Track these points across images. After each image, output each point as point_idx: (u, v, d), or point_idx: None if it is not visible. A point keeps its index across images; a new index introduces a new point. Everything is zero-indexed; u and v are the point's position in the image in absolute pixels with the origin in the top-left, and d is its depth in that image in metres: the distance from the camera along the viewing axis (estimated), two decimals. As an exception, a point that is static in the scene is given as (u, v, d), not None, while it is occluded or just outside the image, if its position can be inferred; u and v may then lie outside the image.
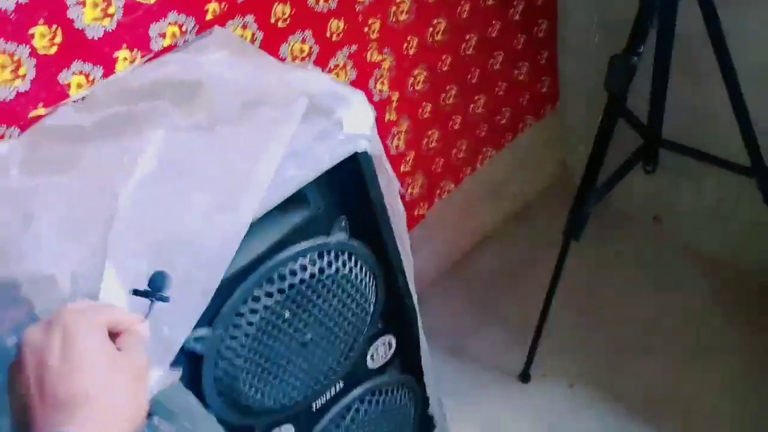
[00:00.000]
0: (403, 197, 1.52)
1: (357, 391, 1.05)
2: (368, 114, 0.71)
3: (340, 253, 0.83)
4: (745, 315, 1.49)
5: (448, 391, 1.38)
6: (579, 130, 1.75)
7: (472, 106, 1.54)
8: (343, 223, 0.82)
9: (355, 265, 0.85)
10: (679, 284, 1.59)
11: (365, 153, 0.71)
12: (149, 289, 0.55)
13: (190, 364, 0.76)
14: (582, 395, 1.44)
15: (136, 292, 0.55)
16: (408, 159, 1.47)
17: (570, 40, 1.65)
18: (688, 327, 1.50)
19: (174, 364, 0.63)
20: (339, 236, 0.81)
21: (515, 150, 1.74)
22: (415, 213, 1.57)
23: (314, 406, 0.99)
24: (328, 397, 1.00)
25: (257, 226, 0.71)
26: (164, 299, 0.56)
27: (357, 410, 1.07)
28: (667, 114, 1.23)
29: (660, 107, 1.22)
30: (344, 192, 0.81)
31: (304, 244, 0.79)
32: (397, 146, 1.42)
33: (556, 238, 1.31)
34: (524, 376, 1.49)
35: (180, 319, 0.60)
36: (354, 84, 1.26)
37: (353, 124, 0.68)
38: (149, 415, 0.63)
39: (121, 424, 0.48)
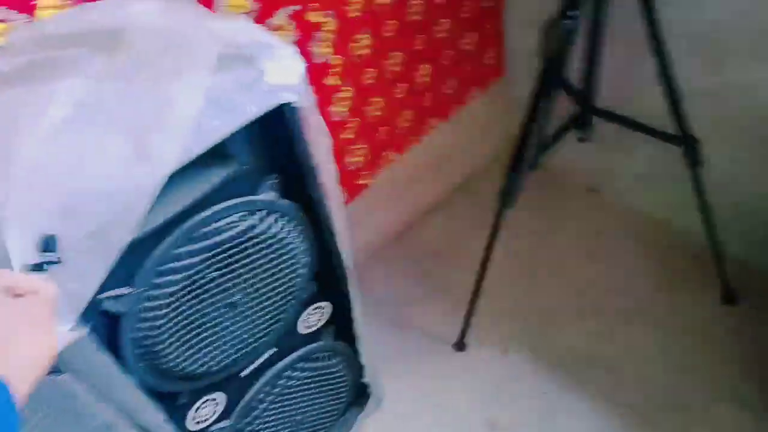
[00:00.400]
0: (345, 166, 1.51)
1: (289, 358, 1.03)
2: (297, 65, 0.68)
3: (268, 213, 0.80)
4: (675, 279, 1.54)
5: (386, 360, 1.39)
6: (525, 101, 1.76)
7: (417, 74, 1.53)
8: (272, 182, 0.80)
9: (285, 226, 0.83)
10: (612, 252, 1.63)
11: (291, 105, 0.69)
12: (40, 257, 0.54)
13: (109, 324, 0.73)
14: (516, 361, 1.47)
15: (27, 267, 0.54)
16: (351, 126, 1.44)
17: (516, 10, 1.65)
18: (620, 292, 1.55)
19: (85, 321, 0.60)
20: (267, 195, 0.79)
21: (461, 121, 1.74)
22: (358, 182, 1.55)
23: (244, 372, 0.97)
24: (259, 363, 0.98)
25: (180, 181, 0.67)
26: (55, 262, 0.54)
27: (290, 377, 1.06)
28: (603, 83, 1.25)
29: (594, 74, 1.23)
30: (274, 149, 0.78)
31: (230, 203, 0.76)
32: (339, 113, 1.39)
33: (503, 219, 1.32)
34: (459, 345, 1.50)
35: (88, 274, 0.57)
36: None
37: (279, 75, 0.65)
38: (59, 371, 0.61)
39: (20, 372, 0.46)
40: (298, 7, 1.19)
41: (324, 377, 1.13)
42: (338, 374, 1.17)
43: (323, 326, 1.06)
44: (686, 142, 1.18)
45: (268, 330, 0.92)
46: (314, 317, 1.04)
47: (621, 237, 1.66)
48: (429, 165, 1.72)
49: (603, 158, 1.68)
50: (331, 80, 1.33)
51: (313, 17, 1.22)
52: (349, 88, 1.37)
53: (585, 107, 1.29)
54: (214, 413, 0.96)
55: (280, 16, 1.17)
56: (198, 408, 0.92)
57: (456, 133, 1.74)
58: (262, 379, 1.01)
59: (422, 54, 1.50)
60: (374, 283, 1.65)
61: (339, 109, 1.38)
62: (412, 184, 1.71)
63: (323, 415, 1.20)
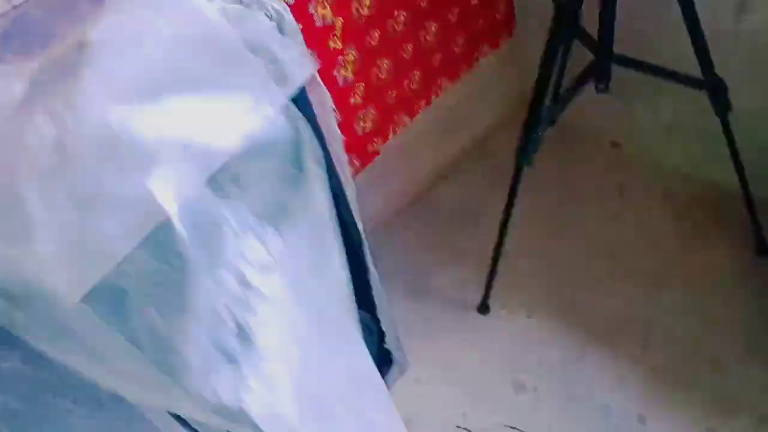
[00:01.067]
0: (355, 132, 1.48)
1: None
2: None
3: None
4: (706, 234, 1.49)
5: (408, 327, 1.36)
6: (537, 59, 1.70)
7: (423, 33, 1.47)
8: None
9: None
10: (638, 209, 1.58)
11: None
12: None
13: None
14: (541, 324, 1.44)
15: None
16: (357, 91, 1.40)
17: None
18: (648, 252, 1.50)
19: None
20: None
21: (472, 81, 1.68)
22: (369, 149, 1.52)
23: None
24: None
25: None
26: None
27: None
28: (620, 29, 1.19)
29: (610, 20, 1.17)
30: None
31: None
32: (345, 77, 1.35)
33: (523, 179, 1.28)
34: (483, 308, 1.48)
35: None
36: (292, 9, 1.18)
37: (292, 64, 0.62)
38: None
39: None
40: (295, -32, 1.14)
41: (343, 347, 1.11)
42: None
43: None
44: (713, 87, 1.12)
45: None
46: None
47: (646, 193, 1.61)
48: (441, 128, 1.68)
49: (625, 110, 1.61)
50: (333, 44, 1.28)
51: (311, -22, 1.18)
52: (352, 50, 1.33)
53: (602, 55, 1.23)
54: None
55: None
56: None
57: (468, 93, 1.69)
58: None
59: (428, 12, 1.45)
60: (390, 251, 1.62)
61: (344, 73, 1.34)
62: (424, 148, 1.67)
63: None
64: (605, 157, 1.72)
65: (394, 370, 1.35)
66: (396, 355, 1.33)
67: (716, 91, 1.12)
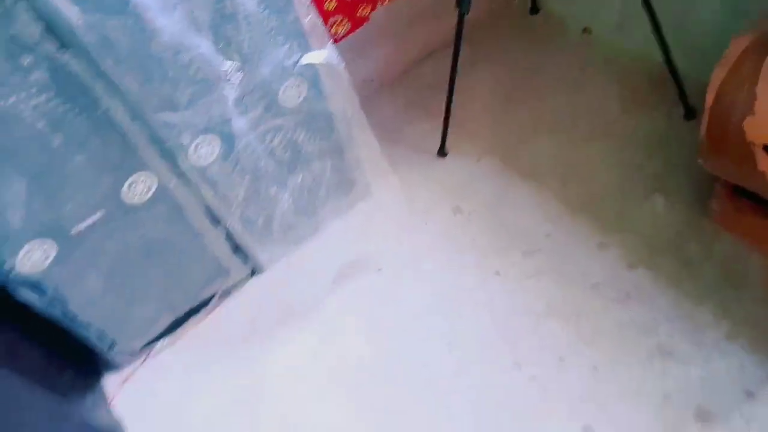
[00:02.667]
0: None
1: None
2: None
3: None
4: (645, 102, 1.69)
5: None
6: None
7: None
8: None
9: None
10: (591, 83, 1.79)
11: None
12: None
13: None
14: (486, 166, 1.71)
15: None
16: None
17: None
18: (591, 114, 1.72)
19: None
20: None
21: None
22: (358, 14, 1.80)
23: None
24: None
25: None
26: None
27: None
28: None
29: None
30: None
31: None
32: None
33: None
34: (440, 152, 1.76)
35: None
36: None
37: None
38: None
39: None
40: None
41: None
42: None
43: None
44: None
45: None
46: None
47: (603, 69, 1.82)
48: (430, 9, 1.93)
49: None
50: None
51: None
52: None
53: None
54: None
55: None
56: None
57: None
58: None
59: None
60: (376, 106, 1.92)
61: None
62: (412, 26, 1.93)
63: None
64: (575, 40, 1.93)
65: (357, 189, 1.67)
66: (360, 177, 1.64)
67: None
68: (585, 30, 1.94)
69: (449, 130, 1.73)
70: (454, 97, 1.64)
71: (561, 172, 1.63)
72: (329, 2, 1.73)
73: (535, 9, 2.05)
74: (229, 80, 1.19)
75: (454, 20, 1.48)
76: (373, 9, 1.82)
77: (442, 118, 1.73)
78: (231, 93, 1.21)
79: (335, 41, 1.79)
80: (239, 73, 1.22)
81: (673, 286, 1.35)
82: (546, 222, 1.54)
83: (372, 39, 1.86)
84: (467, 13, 1.47)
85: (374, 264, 1.59)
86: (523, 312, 1.40)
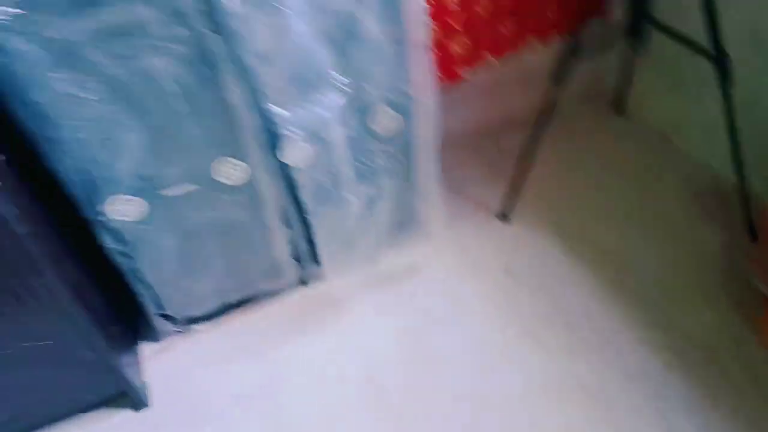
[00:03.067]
0: (448, 50, 1.88)
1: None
2: None
3: None
4: (710, 214, 1.74)
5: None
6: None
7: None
8: None
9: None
10: (666, 188, 1.86)
11: None
12: None
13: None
14: (545, 239, 1.76)
15: None
16: (459, 17, 1.80)
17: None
18: (656, 218, 1.77)
19: None
20: None
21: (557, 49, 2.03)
22: (457, 71, 1.91)
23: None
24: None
25: None
26: None
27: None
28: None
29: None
30: None
31: None
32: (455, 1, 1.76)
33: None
34: (504, 217, 1.82)
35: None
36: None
37: None
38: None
39: None
40: None
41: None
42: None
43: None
44: (717, 57, 1.41)
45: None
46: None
47: (676, 177, 1.90)
48: (522, 78, 2.03)
49: (679, 104, 1.90)
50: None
51: None
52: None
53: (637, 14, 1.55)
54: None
55: None
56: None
57: (551, 58, 2.03)
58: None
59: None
60: (450, 161, 2.00)
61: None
62: (502, 90, 2.03)
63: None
64: (656, 144, 2.02)
65: (417, 229, 1.73)
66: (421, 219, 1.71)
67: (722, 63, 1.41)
68: (666, 137, 2.02)
69: (516, 197, 1.79)
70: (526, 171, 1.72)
71: (618, 262, 1.67)
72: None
73: (621, 109, 2.14)
74: (340, 91, 1.28)
75: (545, 95, 1.57)
76: (472, 70, 1.93)
77: (510, 184, 1.80)
78: (337, 104, 1.31)
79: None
80: (348, 88, 1.31)
81: (709, 398, 1.36)
82: (593, 304, 1.57)
83: (464, 96, 1.97)
84: (559, 87, 1.56)
85: (418, 304, 1.64)
86: (554, 383, 1.41)
